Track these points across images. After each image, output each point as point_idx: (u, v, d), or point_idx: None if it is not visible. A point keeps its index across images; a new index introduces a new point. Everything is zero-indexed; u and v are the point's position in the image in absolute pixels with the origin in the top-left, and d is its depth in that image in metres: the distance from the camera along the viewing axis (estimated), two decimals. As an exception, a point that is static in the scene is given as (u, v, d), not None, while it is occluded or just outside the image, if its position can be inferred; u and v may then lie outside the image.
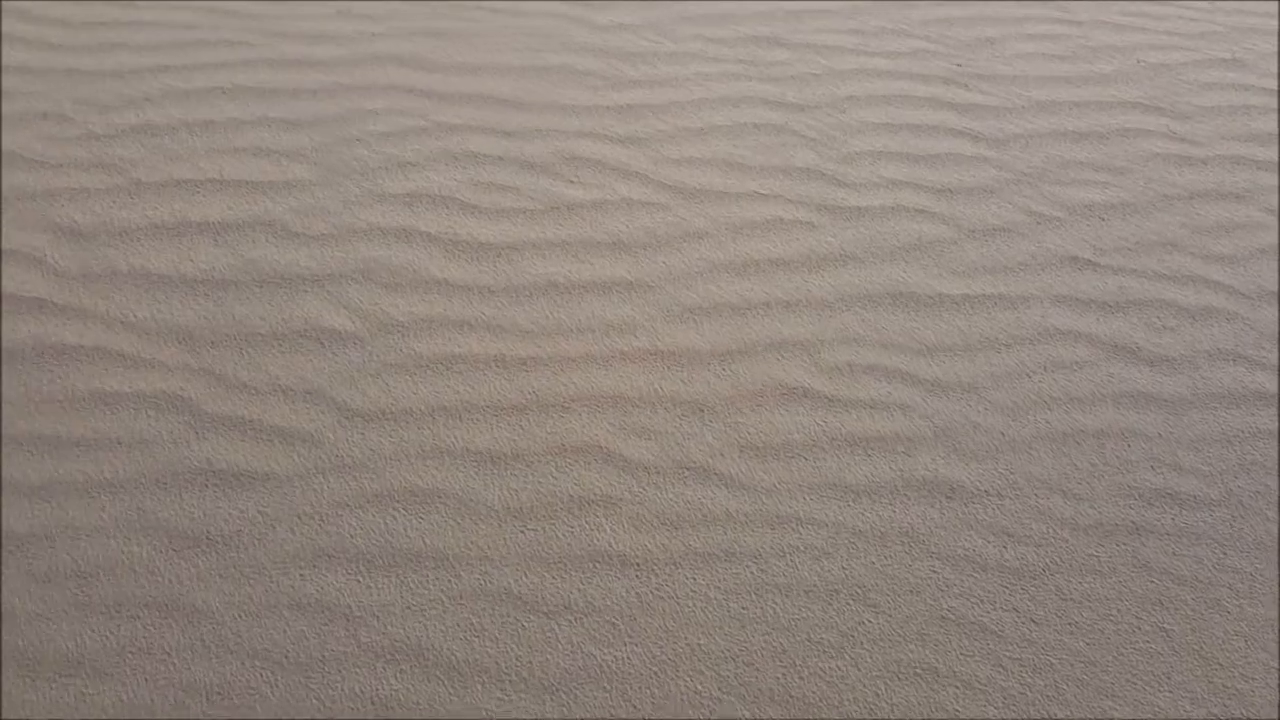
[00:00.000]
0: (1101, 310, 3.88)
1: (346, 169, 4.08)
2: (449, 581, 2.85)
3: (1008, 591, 2.95)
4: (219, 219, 3.82)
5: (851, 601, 2.89)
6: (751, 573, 2.94)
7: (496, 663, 2.69)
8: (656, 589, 2.88)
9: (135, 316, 3.48)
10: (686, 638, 2.78)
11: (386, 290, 3.62)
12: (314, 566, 2.84)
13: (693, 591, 2.88)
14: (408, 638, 2.72)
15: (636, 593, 2.87)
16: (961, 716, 2.67)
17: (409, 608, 2.78)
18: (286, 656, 2.65)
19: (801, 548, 3.00)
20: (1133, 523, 3.16)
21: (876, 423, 3.38)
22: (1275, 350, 3.81)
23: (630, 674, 2.69)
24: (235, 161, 4.06)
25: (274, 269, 3.65)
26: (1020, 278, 3.98)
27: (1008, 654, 2.81)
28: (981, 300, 3.86)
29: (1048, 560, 3.04)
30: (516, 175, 4.15)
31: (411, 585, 2.83)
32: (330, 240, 3.78)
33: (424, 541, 2.94)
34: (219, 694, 2.57)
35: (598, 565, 2.93)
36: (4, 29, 4.65)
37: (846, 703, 2.67)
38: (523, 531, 2.99)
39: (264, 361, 3.35)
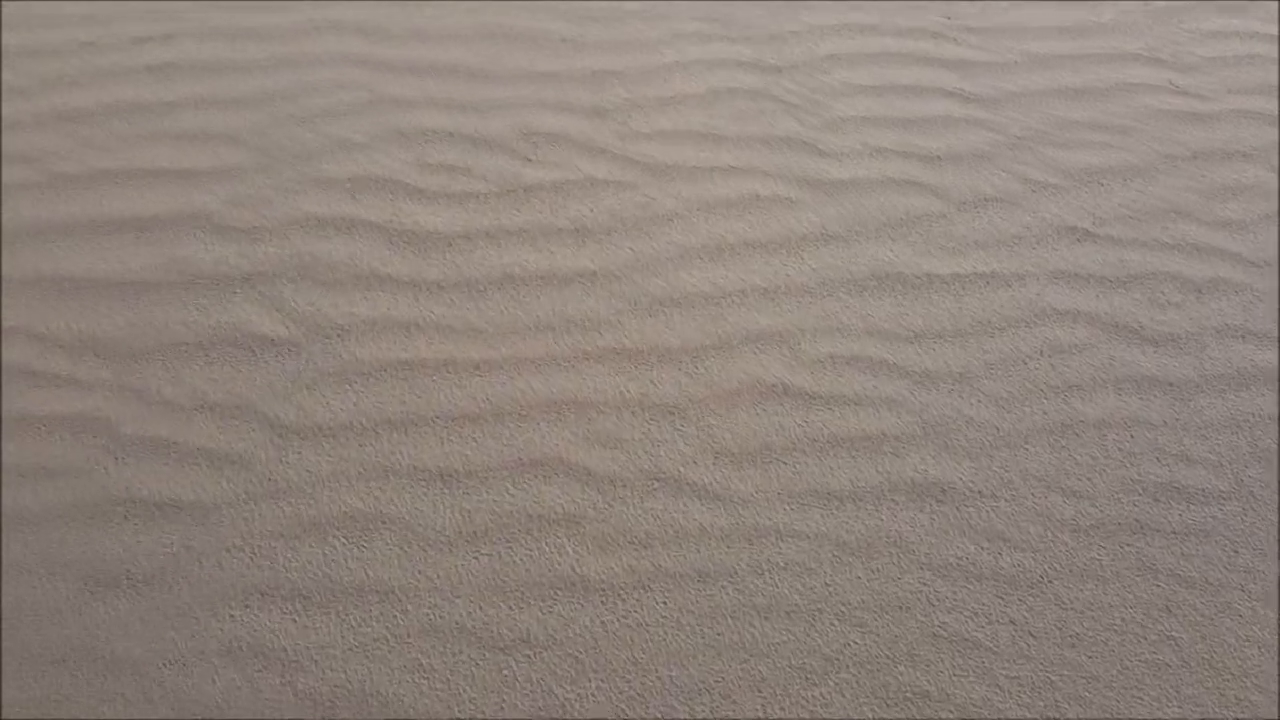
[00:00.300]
0: (1101, 286, 3.62)
1: (284, 152, 3.76)
2: (395, 617, 2.62)
3: (1003, 602, 2.76)
4: (143, 213, 3.51)
5: (836, 621, 2.68)
6: (728, 594, 2.72)
7: (448, 706, 2.47)
8: (624, 616, 2.66)
9: (49, 328, 3.19)
10: (657, 669, 2.56)
11: (325, 289, 3.33)
12: (245, 606, 2.60)
13: (663, 617, 2.66)
14: (349, 682, 2.49)
15: (602, 621, 2.64)
16: (955, 752, 2.48)
17: (351, 648, 2.55)
18: (217, 708, 2.42)
19: (782, 564, 2.78)
20: (1137, 521, 2.96)
21: (861, 420, 3.14)
22: (1288, 325, 3.56)
23: (596, 712, 2.48)
24: (163, 148, 3.74)
25: (201, 268, 3.36)
26: (1015, 253, 3.71)
27: (1004, 672, 2.62)
28: (973, 279, 3.60)
29: (1046, 566, 2.84)
30: (470, 154, 3.83)
31: (353, 623, 2.60)
32: (264, 234, 3.48)
33: (366, 573, 2.69)
34: (141, 754, 2.35)
35: (559, 592, 2.69)
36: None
37: (830, 740, 2.46)
38: (476, 558, 2.75)
39: (189, 374, 3.07)
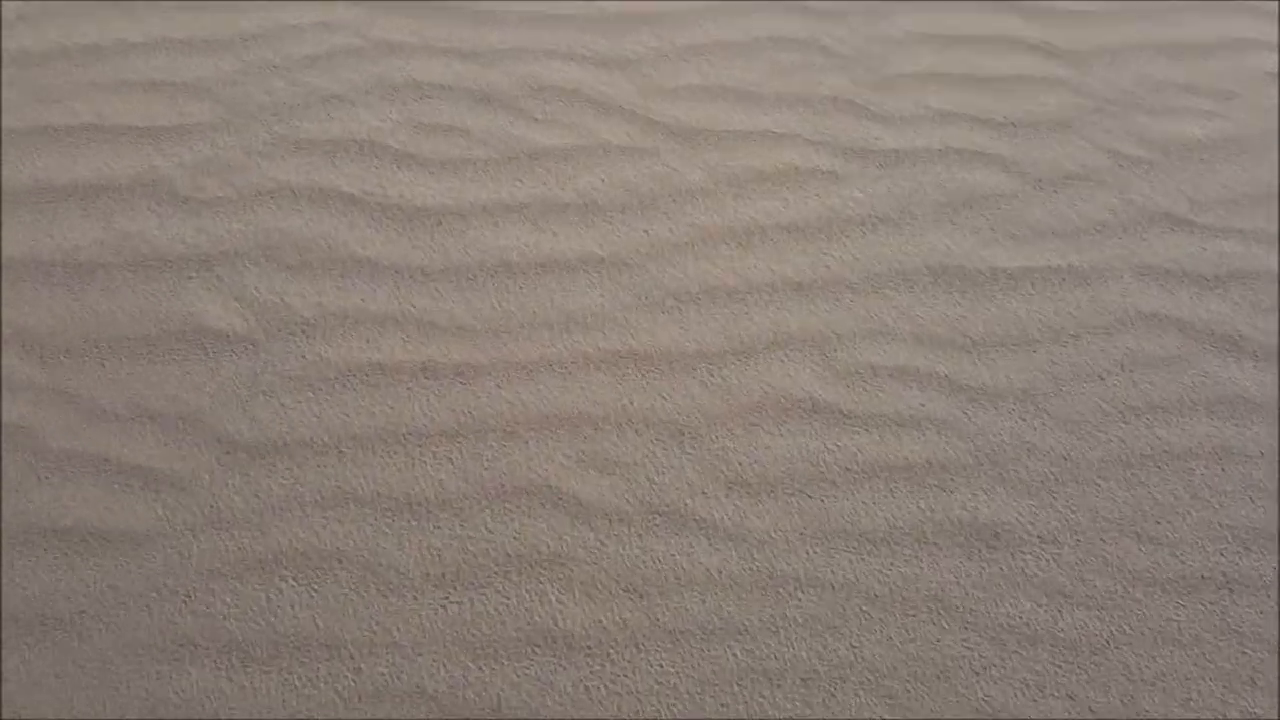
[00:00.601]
0: (1197, 285, 3.13)
1: (257, 107, 3.33)
2: (345, 677, 2.30)
3: (1061, 672, 2.43)
4: (90, 180, 3.13)
5: (861, 692, 2.36)
6: (735, 655, 2.37)
7: (402, 786, 2.15)
8: (612, 680, 2.32)
9: (-23, 314, 2.84)
10: (647, 747, 2.23)
11: (292, 274, 2.93)
12: (175, 660, 2.29)
13: (658, 683, 2.33)
14: (290, 754, 2.18)
15: (585, 686, 2.30)
16: None
17: (293, 714, 2.25)
18: (138, 778, 2.13)
19: (800, 619, 2.44)
20: (1223, 574, 2.61)
21: (903, 446, 2.72)
22: None
23: (571, 801, 2.15)
24: (120, 100, 3.33)
25: (152, 248, 2.97)
26: (1097, 243, 3.21)
27: (1058, 760, 2.27)
28: (1046, 275, 3.12)
29: (1113, 628, 2.51)
30: (468, 112, 3.37)
31: (296, 683, 2.28)
32: (227, 207, 3.08)
33: (316, 623, 2.36)
34: (48, 833, 2.07)
35: (537, 650, 2.35)
36: None
37: (846, 847, 2.13)
38: (443, 606, 2.40)
39: (130, 377, 2.72)
